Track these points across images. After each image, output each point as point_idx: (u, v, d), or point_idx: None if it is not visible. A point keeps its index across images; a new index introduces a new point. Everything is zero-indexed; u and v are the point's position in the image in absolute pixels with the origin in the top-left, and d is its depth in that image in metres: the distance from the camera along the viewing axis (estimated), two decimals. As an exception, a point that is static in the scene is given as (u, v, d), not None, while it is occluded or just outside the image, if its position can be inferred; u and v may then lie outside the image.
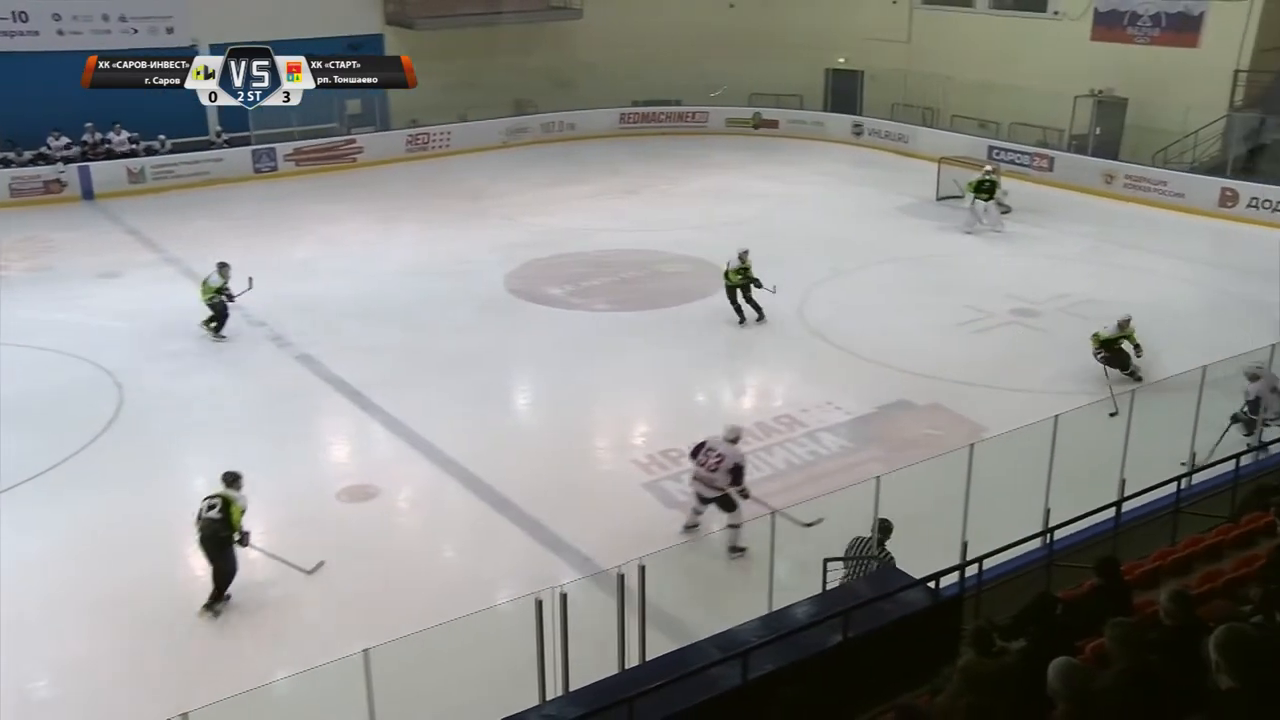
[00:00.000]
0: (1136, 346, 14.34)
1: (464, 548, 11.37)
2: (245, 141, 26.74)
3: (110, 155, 25.62)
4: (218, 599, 9.86)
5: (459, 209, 24.07)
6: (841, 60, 32.19)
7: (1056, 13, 27.89)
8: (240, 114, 25.55)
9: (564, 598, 7.32)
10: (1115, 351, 14.31)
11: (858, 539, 8.83)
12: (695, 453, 10.84)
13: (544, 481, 12.15)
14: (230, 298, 16.42)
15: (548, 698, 7.16)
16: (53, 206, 24.20)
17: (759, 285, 16.67)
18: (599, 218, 23.19)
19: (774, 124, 31.81)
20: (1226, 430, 11.92)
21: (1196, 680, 4.49)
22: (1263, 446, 11.28)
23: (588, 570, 9.98)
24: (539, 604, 7.15)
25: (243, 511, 9.91)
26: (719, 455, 10.60)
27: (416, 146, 28.89)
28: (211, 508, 9.87)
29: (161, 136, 26.08)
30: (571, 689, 7.14)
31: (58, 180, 24.70)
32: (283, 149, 26.90)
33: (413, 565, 10.77)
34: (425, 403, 14.20)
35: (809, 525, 9.55)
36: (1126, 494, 9.74)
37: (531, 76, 30.52)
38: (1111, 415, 12.37)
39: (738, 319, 16.80)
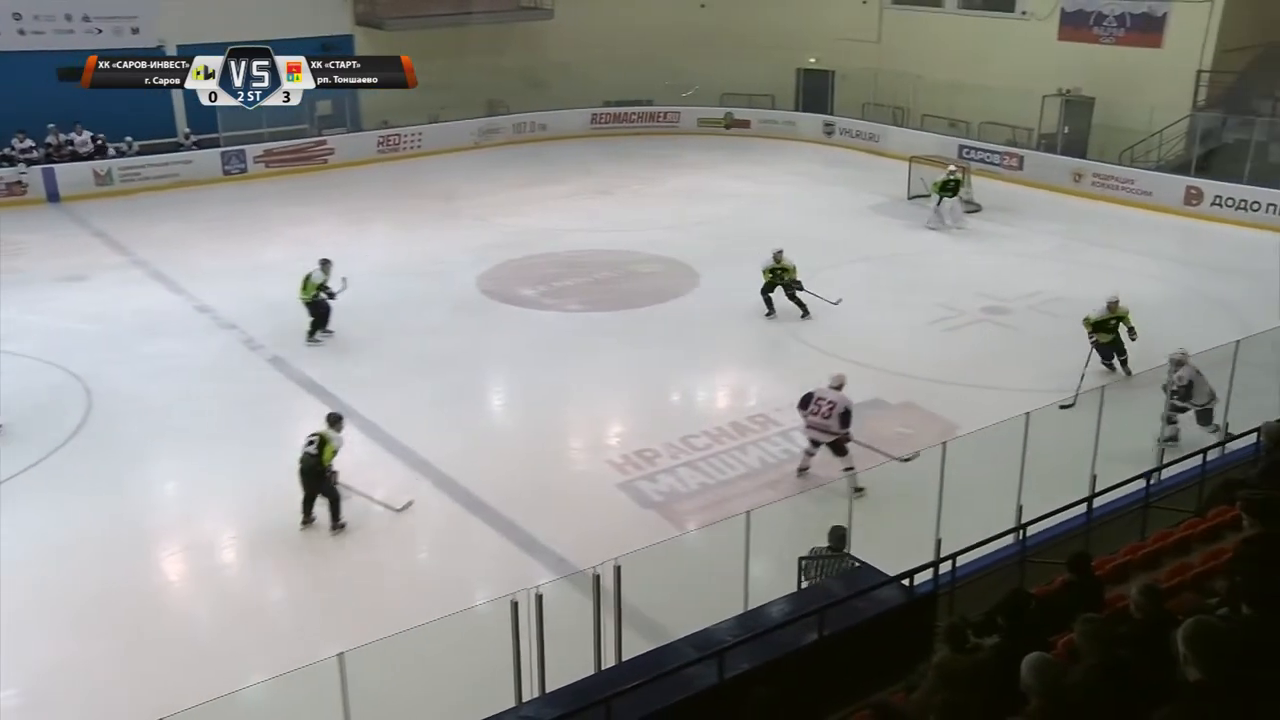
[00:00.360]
0: (1131, 330, 14.33)
1: (439, 550, 11.34)
2: (214, 143, 26.49)
3: (75, 157, 25.31)
4: (336, 519, 11.16)
5: (431, 210, 23.97)
6: (812, 60, 32.32)
7: (1024, 13, 28.15)
8: (209, 115, 25.45)
9: (539, 599, 7.31)
10: (1108, 331, 14.29)
11: (816, 549, 8.71)
12: (804, 404, 11.80)
13: (519, 482, 12.13)
14: (331, 295, 16.23)
15: (524, 699, 7.16)
16: (16, 209, 23.87)
17: (799, 287, 16.93)
18: (572, 218, 23.16)
19: (746, 124, 31.90)
20: (1162, 433, 11.96)
21: (1166, 673, 4.55)
22: (1229, 439, 11.28)
23: (563, 571, 9.97)
24: (514, 605, 7.14)
25: (335, 452, 11.14)
26: (830, 403, 11.63)
27: (388, 148, 28.75)
28: (310, 444, 11.18)
29: (129, 138, 25.80)
30: (548, 690, 7.14)
31: (19, 182, 24.37)
32: (253, 150, 26.67)
33: (387, 568, 10.73)
34: (399, 404, 14.14)
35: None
36: (1097, 490, 9.83)
37: (503, 77, 30.44)
38: (1062, 407, 12.31)
39: (765, 310, 17.11)
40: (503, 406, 15.24)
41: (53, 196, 24.50)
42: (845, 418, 11.55)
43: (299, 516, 11.17)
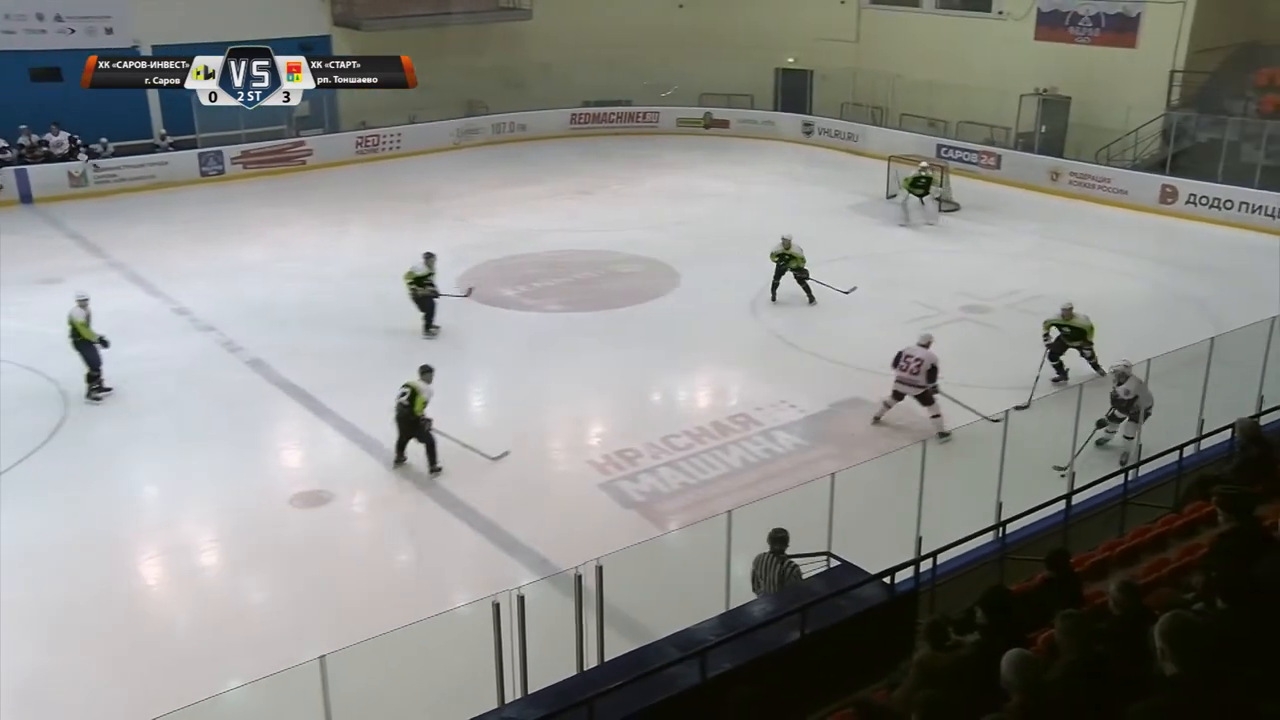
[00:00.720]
0: (1089, 344, 14.13)
1: (420, 551, 11.32)
2: (191, 144, 26.31)
3: (50, 159, 25.07)
4: (433, 463, 12.11)
5: (410, 211, 23.89)
6: (791, 60, 32.42)
7: (1001, 13, 28.33)
8: (185, 116, 25.33)
9: (521, 600, 7.30)
10: (1063, 337, 14.29)
11: (760, 556, 8.37)
12: (896, 362, 13.10)
13: (500, 483, 12.11)
14: (434, 290, 16.55)
15: (507, 700, 7.14)
16: (-11, 211, 23.66)
17: (807, 275, 17.59)
18: (551, 218, 23.14)
19: (725, 124, 31.96)
20: (1092, 435, 11.92)
21: (1144, 668, 4.59)
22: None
23: (545, 572, 9.97)
24: (496, 607, 7.13)
25: (425, 402, 12.06)
26: (918, 359, 12.92)
27: (366, 148, 28.63)
28: (403, 395, 12.13)
29: (104, 139, 25.57)
30: (530, 691, 7.13)
31: (-9, 183, 24.13)
32: (230, 152, 26.49)
33: (368, 570, 10.68)
34: (378, 406, 14.02)
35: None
36: (1076, 487, 9.91)
37: (482, 77, 30.38)
38: (1018, 409, 11.75)
39: (770, 296, 17.80)
40: (483, 407, 15.20)
41: (25, 198, 24.25)
42: (932, 373, 12.88)
43: (278, 517, 11.13)
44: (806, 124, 31.11)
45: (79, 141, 25.26)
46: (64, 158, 25.14)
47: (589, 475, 12.26)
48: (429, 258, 16.58)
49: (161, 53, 25.31)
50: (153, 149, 26.35)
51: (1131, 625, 5.26)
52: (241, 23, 25.39)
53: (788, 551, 8.29)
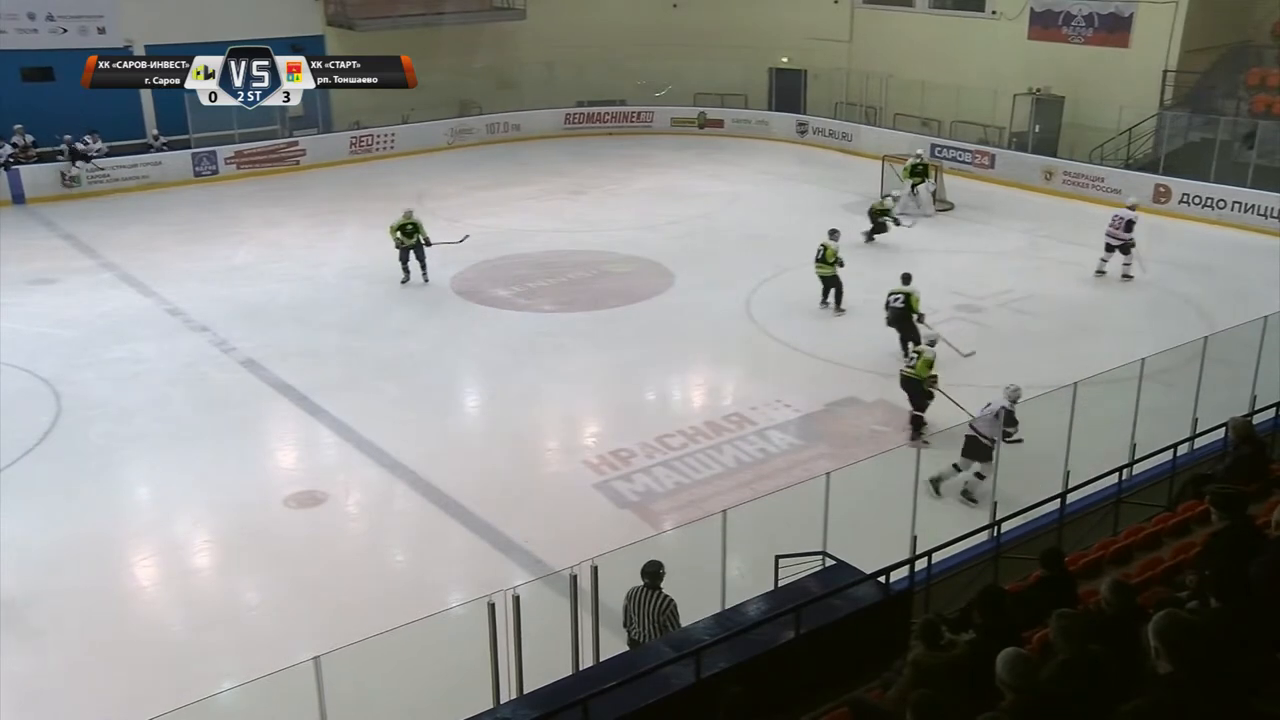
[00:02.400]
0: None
1: (414, 552, 11.30)
2: (185, 145, 26.25)
3: (40, 159, 24.96)
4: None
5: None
6: (785, 60, 32.43)
7: (994, 12, 28.36)
8: (178, 116, 25.27)
9: (516, 600, 7.31)
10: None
11: (633, 590, 8.03)
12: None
13: (494, 484, 12.11)
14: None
15: (502, 700, 7.14)
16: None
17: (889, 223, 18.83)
18: (545, 218, 23.13)
19: (719, 123, 31.95)
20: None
21: (1137, 666, 4.60)
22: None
23: (540, 572, 9.97)
24: (491, 607, 7.13)
25: (918, 299, 14.38)
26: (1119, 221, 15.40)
27: (360, 149, 28.58)
28: (895, 299, 14.58)
29: (88, 138, 25.39)
30: (526, 691, 7.12)
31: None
32: (223, 152, 26.43)
33: (362, 571, 10.67)
34: (373, 406, 14.08)
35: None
36: (1070, 486, 9.92)
37: (475, 78, 30.36)
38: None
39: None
40: (478, 407, 15.19)
41: (18, 199, 24.17)
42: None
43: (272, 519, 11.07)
44: (800, 124, 31.12)
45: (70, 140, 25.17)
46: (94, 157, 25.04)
47: (584, 475, 12.26)
48: (833, 233, 17.42)
49: (155, 52, 25.29)
50: (146, 149, 26.28)
51: (1124, 623, 5.27)
52: (235, 22, 25.39)
53: (662, 586, 7.95)
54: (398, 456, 12.67)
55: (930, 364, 12.72)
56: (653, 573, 7.94)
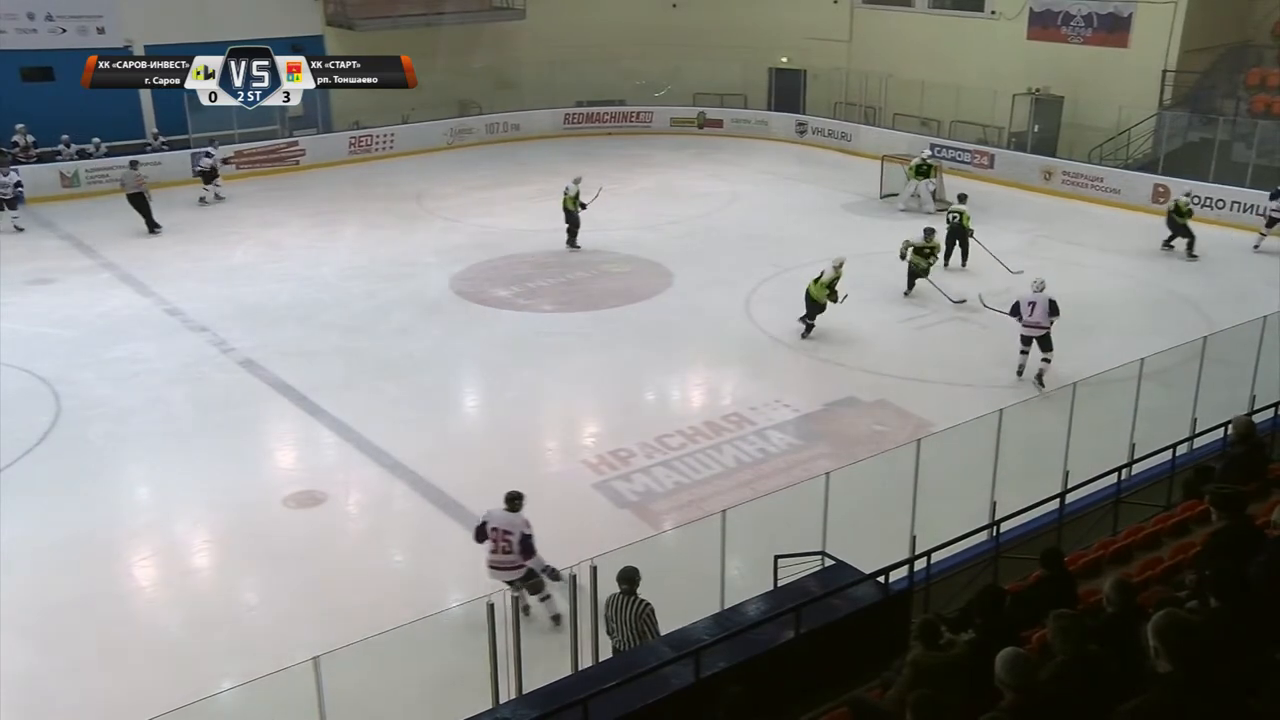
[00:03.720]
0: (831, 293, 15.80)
1: (414, 552, 11.30)
2: (184, 145, 26.24)
3: (40, 159, 24.96)
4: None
5: (403, 211, 23.87)
6: (784, 60, 32.44)
7: (994, 12, 28.37)
8: (178, 116, 25.27)
9: (516, 600, 7.31)
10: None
11: (611, 597, 7.99)
12: (1014, 311, 14.45)
13: (494, 483, 11.95)
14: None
15: (501, 700, 7.14)
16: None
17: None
18: (544, 219, 23.07)
19: (718, 123, 31.95)
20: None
21: (1137, 665, 4.61)
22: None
23: (539, 572, 9.94)
24: (490, 607, 7.12)
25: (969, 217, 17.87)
26: (1032, 304, 14.32)
27: (359, 149, 28.58)
28: (953, 216, 18.02)
29: (96, 139, 25.51)
30: (525, 691, 7.13)
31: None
32: (223, 152, 26.40)
33: (362, 571, 10.67)
34: (372, 406, 14.08)
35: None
36: (1070, 485, 9.92)
37: (475, 78, 30.36)
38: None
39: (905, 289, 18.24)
40: (477, 407, 15.19)
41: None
42: (1053, 307, 14.23)
43: (272, 519, 11.06)
44: (800, 123, 31.13)
45: (68, 141, 25.17)
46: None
47: (583, 475, 12.25)
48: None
49: (155, 52, 25.27)
50: (145, 149, 26.27)
51: (1124, 623, 5.28)
52: (234, 22, 25.38)
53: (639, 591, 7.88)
54: (397, 456, 12.67)
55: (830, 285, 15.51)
56: (628, 578, 7.90)
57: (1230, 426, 9.54)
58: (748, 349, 16.14)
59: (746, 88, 32.42)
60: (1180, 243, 20.10)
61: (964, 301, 17.09)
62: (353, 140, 28.53)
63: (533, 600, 9.35)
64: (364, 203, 24.63)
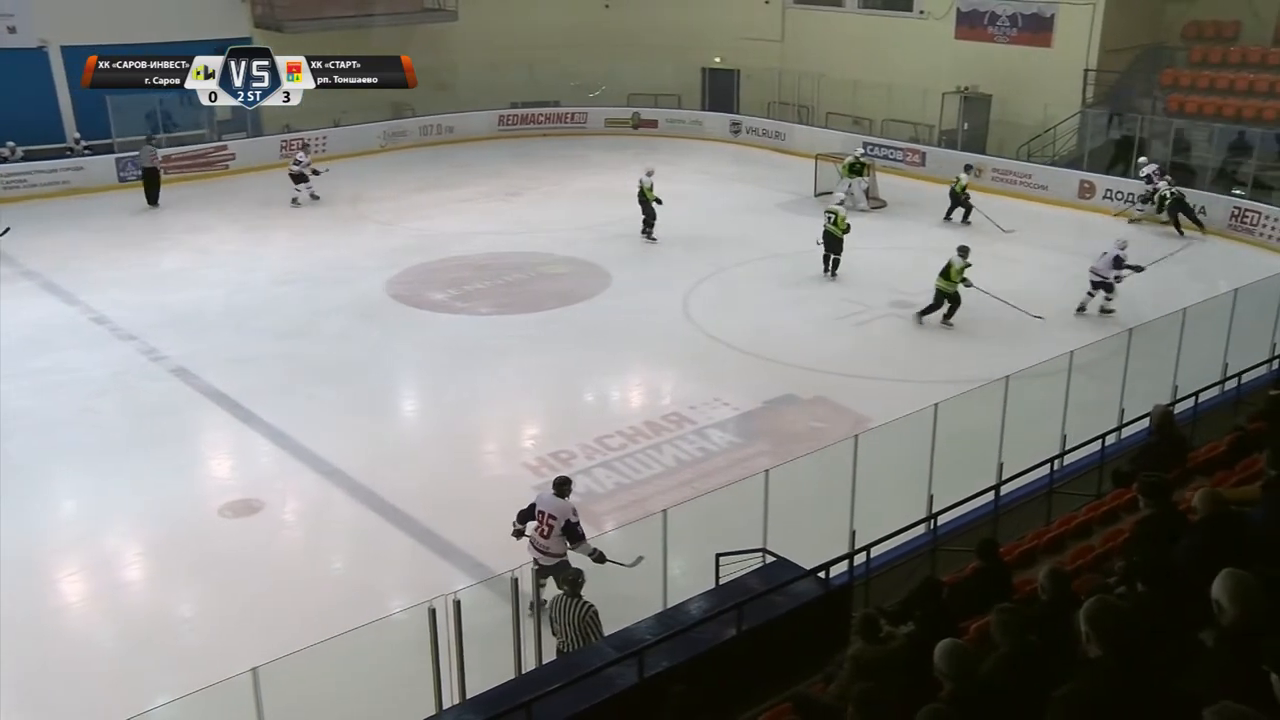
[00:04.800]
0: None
1: (354, 559, 11.16)
2: (108, 149, 25.60)
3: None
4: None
5: (337, 214, 23.56)
6: (717, 60, 32.63)
7: (922, 12, 28.81)
8: (101, 120, 24.64)
9: (458, 604, 7.26)
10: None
11: (555, 598, 8.10)
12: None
13: (434, 488, 12.01)
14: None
15: (445, 706, 7.09)
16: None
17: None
18: (481, 221, 23.00)
19: (653, 124, 32.03)
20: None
21: (1070, 651, 4.71)
22: None
23: (481, 575, 9.90)
24: (432, 612, 7.07)
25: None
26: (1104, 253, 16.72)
27: (291, 152, 28.06)
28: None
29: (11, 143, 24.69)
30: (469, 696, 7.09)
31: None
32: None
33: (301, 579, 10.51)
34: (309, 412, 13.88)
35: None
36: (1004, 477, 10.11)
37: (407, 79, 30.00)
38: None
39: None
40: (415, 412, 15.06)
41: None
42: (1117, 262, 16.53)
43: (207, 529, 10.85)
44: (734, 123, 31.33)
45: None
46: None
47: (523, 478, 12.20)
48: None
49: (71, 53, 24.71)
50: (66, 154, 25.59)
51: (1058, 610, 5.39)
52: (157, 24, 24.86)
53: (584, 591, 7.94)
54: (335, 463, 12.51)
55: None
56: (571, 580, 7.95)
57: (1150, 417, 9.79)
58: (687, 348, 16.20)
59: (681, 88, 32.55)
60: (958, 213, 22.44)
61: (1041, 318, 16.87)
62: (284, 144, 28.01)
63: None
64: (298, 207, 24.25)
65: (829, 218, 18.71)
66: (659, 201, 20.87)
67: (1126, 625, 4.08)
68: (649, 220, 21.14)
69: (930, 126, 27.91)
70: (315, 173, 24.18)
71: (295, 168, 24.14)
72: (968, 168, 21.08)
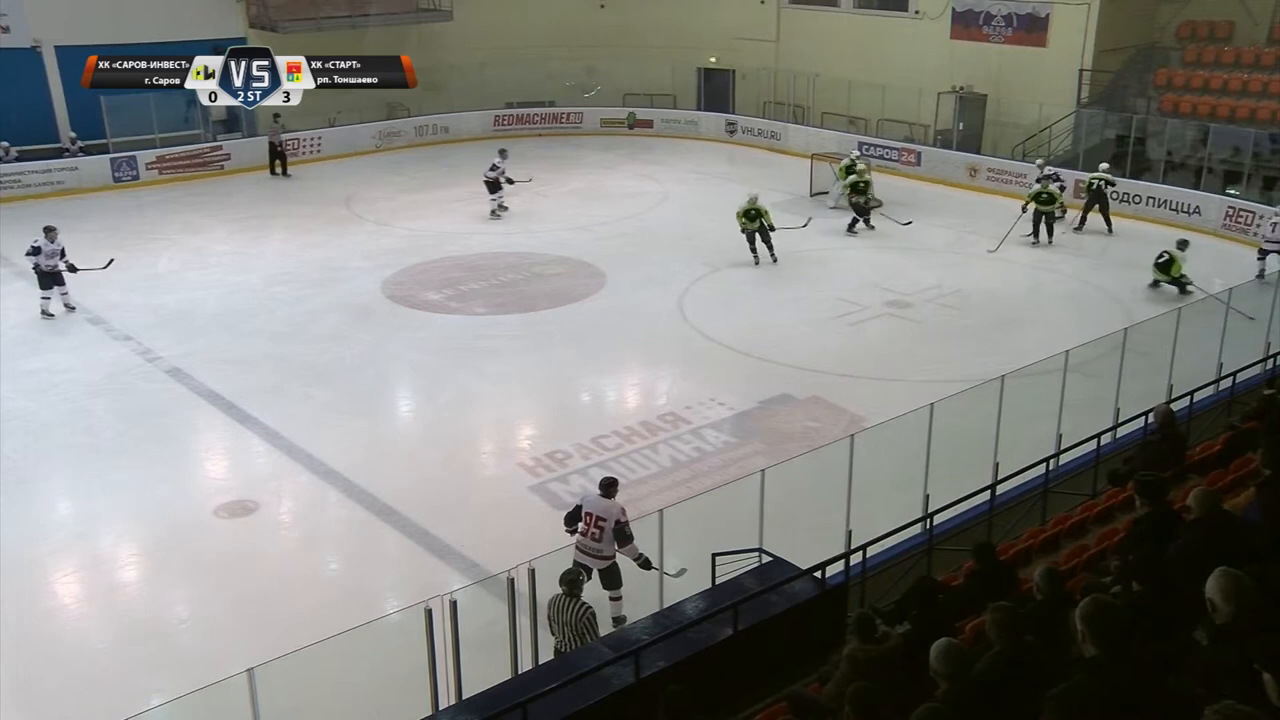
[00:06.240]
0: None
1: (349, 559, 11.15)
2: (103, 149, 25.54)
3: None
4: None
5: (332, 215, 23.53)
6: (713, 59, 32.64)
7: (917, 12, 28.86)
8: (96, 120, 24.59)
9: (454, 605, 7.25)
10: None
11: (553, 598, 8.00)
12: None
13: (429, 488, 12.00)
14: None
15: (441, 707, 7.08)
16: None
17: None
18: (475, 221, 22.97)
19: (648, 124, 32.03)
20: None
21: (1065, 650, 4.72)
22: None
23: (477, 576, 9.90)
24: (428, 613, 7.07)
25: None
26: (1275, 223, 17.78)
27: (286, 152, 28.09)
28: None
29: (5, 143, 24.64)
30: (465, 696, 7.08)
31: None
32: (144, 157, 25.75)
33: (297, 580, 10.50)
34: (303, 413, 13.87)
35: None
36: (1000, 477, 10.13)
37: (402, 79, 29.99)
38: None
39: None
40: (411, 412, 15.05)
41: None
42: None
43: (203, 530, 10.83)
44: (729, 123, 31.35)
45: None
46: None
47: (519, 478, 12.20)
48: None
49: (65, 53, 24.69)
50: (61, 154, 25.53)
51: (1053, 609, 5.40)
52: (152, 23, 24.84)
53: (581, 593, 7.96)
54: (330, 463, 12.49)
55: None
56: (571, 580, 7.94)
57: (1151, 415, 9.81)
58: (682, 348, 16.20)
59: (676, 88, 32.55)
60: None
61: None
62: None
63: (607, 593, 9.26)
64: (291, 207, 24.24)
65: (1162, 256, 18.00)
66: (772, 228, 19.58)
67: (1121, 624, 4.09)
68: (769, 245, 19.65)
69: (925, 126, 27.94)
70: (510, 181, 22.76)
71: (490, 174, 22.97)
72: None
